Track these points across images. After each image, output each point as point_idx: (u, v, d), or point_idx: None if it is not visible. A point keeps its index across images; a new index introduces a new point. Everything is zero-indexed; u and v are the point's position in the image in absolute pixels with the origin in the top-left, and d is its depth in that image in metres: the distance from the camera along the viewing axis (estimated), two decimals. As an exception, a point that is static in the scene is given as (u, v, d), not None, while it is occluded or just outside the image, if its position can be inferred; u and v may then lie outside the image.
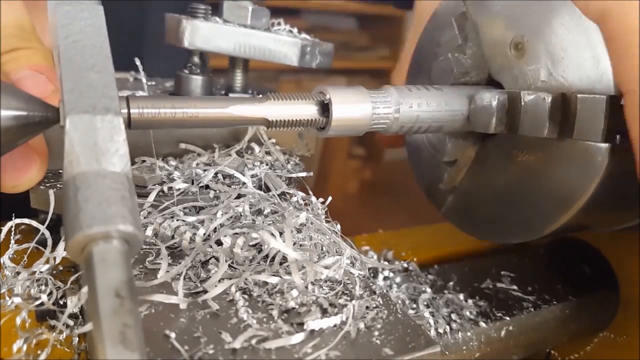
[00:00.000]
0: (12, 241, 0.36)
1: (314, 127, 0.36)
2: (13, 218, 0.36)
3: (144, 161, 0.44)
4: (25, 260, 0.36)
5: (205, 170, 0.43)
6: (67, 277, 0.36)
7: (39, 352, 0.33)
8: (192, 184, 0.43)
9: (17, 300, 0.33)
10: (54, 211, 0.37)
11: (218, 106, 0.33)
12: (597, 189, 0.36)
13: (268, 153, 0.49)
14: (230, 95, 0.53)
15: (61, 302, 0.35)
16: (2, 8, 0.35)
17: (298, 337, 0.29)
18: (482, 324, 0.45)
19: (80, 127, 0.25)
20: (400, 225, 0.61)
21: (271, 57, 0.49)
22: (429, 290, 0.49)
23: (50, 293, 0.34)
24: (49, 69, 0.36)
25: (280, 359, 0.28)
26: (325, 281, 0.35)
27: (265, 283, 0.33)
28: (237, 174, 0.44)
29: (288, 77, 2.94)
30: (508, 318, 0.47)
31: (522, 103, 0.38)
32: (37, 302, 0.34)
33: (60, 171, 0.42)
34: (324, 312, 0.32)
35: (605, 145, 0.35)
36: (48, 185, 0.39)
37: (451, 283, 0.51)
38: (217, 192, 0.42)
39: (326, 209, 0.42)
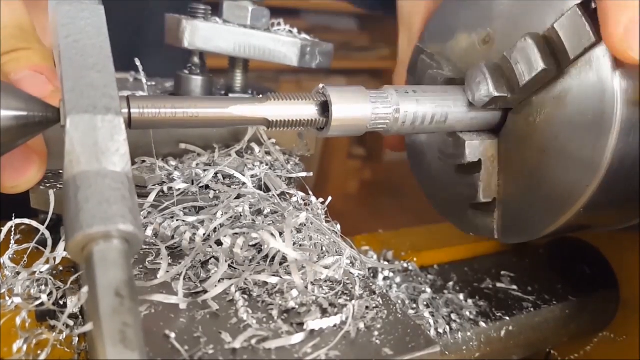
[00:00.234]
0: (12, 241, 0.36)
1: (314, 127, 0.36)
2: (13, 218, 0.36)
3: (144, 161, 0.44)
4: (25, 260, 0.36)
5: (205, 171, 0.43)
6: (67, 277, 0.36)
7: (39, 352, 0.33)
8: (192, 184, 0.43)
9: (17, 300, 0.33)
10: (54, 211, 0.37)
11: (218, 106, 0.33)
12: (597, 188, 0.36)
13: (268, 153, 0.49)
14: (230, 95, 0.53)
15: (61, 302, 0.35)
16: (2, 9, 0.35)
17: (298, 337, 0.29)
18: (482, 324, 0.45)
19: (81, 126, 0.25)
20: (400, 225, 0.61)
21: (271, 57, 0.49)
22: (429, 290, 0.49)
23: (50, 293, 0.34)
24: (49, 70, 0.36)
25: (280, 359, 0.28)
26: (325, 281, 0.35)
27: (265, 283, 0.33)
28: (237, 174, 0.44)
29: (288, 77, 2.94)
30: (508, 318, 0.47)
31: (511, 58, 0.38)
32: (37, 302, 0.34)
33: (60, 171, 0.42)
34: (324, 312, 0.32)
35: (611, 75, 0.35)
36: (48, 185, 0.39)
37: (451, 283, 0.51)
38: (217, 192, 0.42)
39: (326, 209, 0.42)
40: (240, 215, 0.39)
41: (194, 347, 0.28)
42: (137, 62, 0.46)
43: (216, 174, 0.44)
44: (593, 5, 0.35)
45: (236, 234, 0.37)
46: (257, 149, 0.49)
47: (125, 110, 0.30)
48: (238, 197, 0.41)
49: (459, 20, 0.46)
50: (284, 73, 2.92)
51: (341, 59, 3.00)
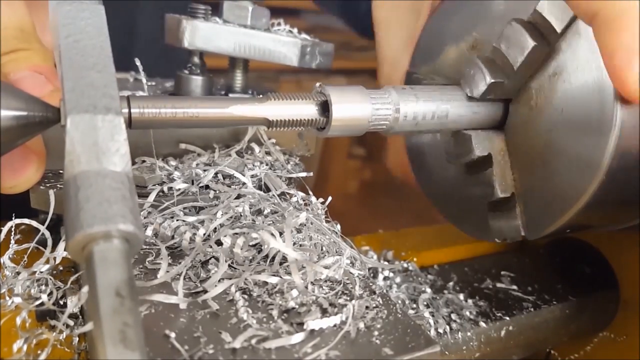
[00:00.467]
0: (12, 241, 0.36)
1: (314, 127, 0.36)
2: (13, 218, 0.36)
3: (144, 161, 0.44)
4: (25, 260, 0.36)
5: (205, 170, 0.43)
6: (67, 277, 0.36)
7: (39, 352, 0.32)
8: (192, 184, 0.43)
9: (17, 300, 0.33)
10: (54, 211, 0.37)
11: (219, 106, 0.33)
12: (597, 188, 0.36)
13: (268, 153, 0.49)
14: (230, 95, 0.53)
15: (61, 302, 0.35)
16: (3, 9, 0.35)
17: (298, 337, 0.29)
18: (482, 324, 0.45)
19: (81, 126, 0.25)
20: (400, 225, 0.61)
21: (271, 57, 0.49)
22: (429, 290, 0.49)
23: (51, 293, 0.34)
24: (49, 70, 0.36)
25: (280, 359, 0.28)
26: (325, 281, 0.35)
27: (265, 283, 0.33)
28: (237, 174, 0.44)
29: (288, 77, 2.94)
30: (508, 318, 0.47)
31: (500, 46, 0.38)
32: (37, 302, 0.34)
33: (60, 171, 0.42)
34: (324, 312, 0.32)
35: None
36: (48, 185, 0.39)
37: (451, 283, 0.51)
38: (217, 192, 0.42)
39: (326, 209, 0.42)
40: (240, 215, 0.39)
41: (194, 346, 0.28)
42: (137, 62, 0.47)
43: (216, 174, 0.44)
44: None
45: (236, 234, 0.37)
46: (257, 149, 0.49)
47: (126, 110, 0.30)
48: (238, 197, 0.41)
49: (444, 34, 0.46)
50: (284, 73, 2.92)
51: (341, 59, 3.00)
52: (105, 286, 0.21)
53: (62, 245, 0.36)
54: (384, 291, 0.35)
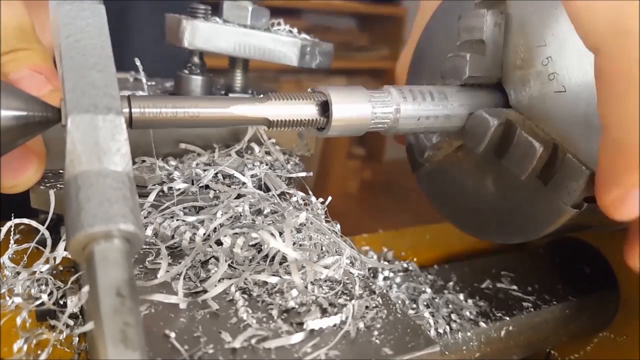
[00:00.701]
0: (12, 241, 0.36)
1: (315, 127, 0.36)
2: (12, 218, 0.36)
3: (144, 161, 0.44)
4: (25, 260, 0.36)
5: (205, 170, 0.43)
6: (67, 277, 0.36)
7: (39, 352, 0.33)
8: (192, 184, 0.43)
9: (18, 300, 0.33)
10: (54, 211, 0.37)
11: (219, 106, 0.33)
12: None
13: (268, 153, 0.49)
14: (230, 95, 0.53)
15: (61, 302, 0.35)
16: (2, 9, 0.35)
17: (298, 337, 0.29)
18: (482, 324, 0.45)
19: (82, 126, 0.25)
20: (400, 225, 0.61)
21: (271, 57, 0.49)
22: (429, 290, 0.49)
23: (51, 293, 0.35)
24: (48, 70, 0.36)
25: (280, 359, 0.28)
26: (325, 281, 0.35)
27: (265, 283, 0.33)
28: (237, 174, 0.44)
29: (288, 77, 2.94)
30: (508, 318, 0.47)
31: (515, 140, 0.38)
32: (38, 302, 0.34)
33: (60, 171, 0.42)
34: (324, 312, 0.32)
35: (573, 211, 0.37)
36: (48, 185, 0.39)
37: (451, 283, 0.51)
38: (217, 192, 0.42)
39: (326, 209, 0.42)
40: (240, 215, 0.39)
41: (193, 346, 0.28)
42: (137, 62, 0.47)
43: (216, 173, 0.44)
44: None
45: (236, 233, 0.37)
46: (257, 148, 0.49)
47: (126, 110, 0.30)
48: (238, 197, 0.41)
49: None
50: (284, 73, 2.93)
51: (341, 59, 3.00)
52: (106, 286, 0.21)
53: (62, 245, 0.36)
54: (384, 291, 0.35)
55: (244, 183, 0.44)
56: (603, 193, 0.32)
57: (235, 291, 0.33)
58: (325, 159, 2.86)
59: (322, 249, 0.37)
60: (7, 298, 0.34)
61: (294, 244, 0.36)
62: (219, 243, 0.36)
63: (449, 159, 0.46)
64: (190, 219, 0.39)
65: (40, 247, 0.36)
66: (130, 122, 0.30)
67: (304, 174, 0.47)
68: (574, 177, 0.36)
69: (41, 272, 0.35)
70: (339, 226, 0.40)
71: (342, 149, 3.03)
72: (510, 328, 0.47)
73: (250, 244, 0.37)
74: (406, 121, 0.38)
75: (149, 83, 0.58)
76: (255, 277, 0.33)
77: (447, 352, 0.43)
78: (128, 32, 0.79)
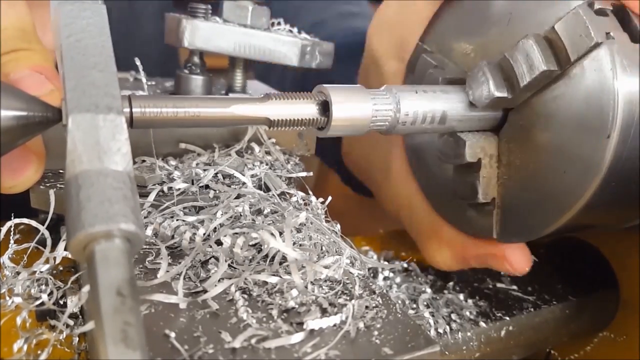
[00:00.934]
0: (12, 241, 0.36)
1: (315, 126, 0.36)
2: (12, 218, 0.36)
3: (144, 161, 0.44)
4: (25, 260, 0.36)
5: (205, 170, 0.43)
6: (67, 277, 0.36)
7: (39, 352, 0.33)
8: (192, 184, 0.43)
9: (18, 300, 0.33)
10: (54, 211, 0.37)
11: (220, 106, 0.33)
12: (597, 188, 0.36)
13: (268, 153, 0.49)
14: (231, 95, 0.53)
15: (61, 302, 0.35)
16: (3, 9, 0.35)
17: (298, 337, 0.29)
18: (482, 324, 0.45)
19: (83, 125, 0.25)
20: (400, 225, 0.61)
21: (271, 57, 0.49)
22: (429, 290, 0.49)
23: (51, 293, 0.35)
24: (48, 70, 0.36)
25: (280, 359, 0.28)
26: (325, 281, 0.35)
27: (265, 283, 0.33)
28: (237, 174, 0.44)
29: (288, 77, 2.94)
30: (508, 318, 0.47)
31: (512, 58, 0.38)
32: (38, 302, 0.34)
33: (60, 171, 0.42)
34: (324, 312, 0.32)
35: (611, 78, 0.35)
36: (48, 185, 0.39)
37: (451, 283, 0.51)
38: (217, 192, 0.42)
39: (326, 208, 0.42)
40: (240, 215, 0.39)
41: (193, 346, 0.28)
42: (137, 62, 0.47)
43: (216, 173, 0.44)
44: (596, 6, 0.35)
45: (236, 233, 0.37)
46: (257, 148, 0.49)
47: (127, 110, 0.30)
48: (238, 196, 0.41)
49: (465, 22, 0.45)
50: (284, 73, 2.92)
51: (341, 59, 2.99)
52: (107, 285, 0.21)
53: (62, 245, 0.36)
54: (384, 291, 0.35)
55: (244, 183, 0.44)
56: None
57: (235, 291, 0.33)
58: (325, 159, 2.85)
59: (322, 249, 0.37)
60: (7, 298, 0.34)
61: (294, 244, 0.36)
62: (219, 243, 0.36)
63: (506, 180, 0.45)
64: (190, 219, 0.39)
65: (40, 247, 0.36)
66: (131, 122, 0.30)
67: (304, 174, 0.47)
68: (574, 23, 0.36)
69: (41, 272, 0.35)
70: (339, 226, 0.40)
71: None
72: (510, 328, 0.47)
73: (250, 244, 0.37)
74: (406, 120, 0.38)
75: (149, 83, 0.58)
76: (255, 277, 0.33)
77: (447, 352, 0.43)
78: (132, 31, 0.79)
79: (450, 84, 0.43)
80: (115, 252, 0.22)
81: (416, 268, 0.53)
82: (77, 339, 0.35)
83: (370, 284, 0.35)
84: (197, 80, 0.50)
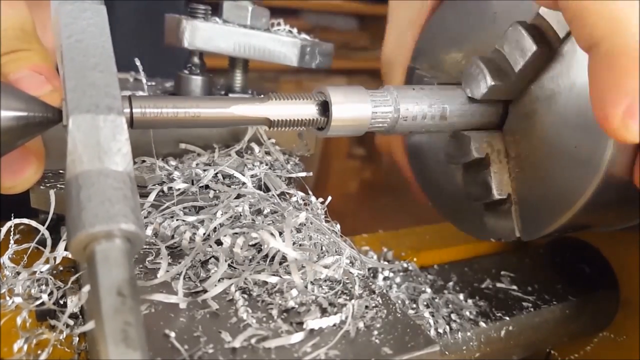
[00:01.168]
0: (12, 241, 0.36)
1: (315, 126, 0.36)
2: (12, 218, 0.36)
3: (144, 161, 0.44)
4: (25, 260, 0.36)
5: (205, 170, 0.43)
6: (67, 277, 0.36)
7: (39, 352, 0.33)
8: (192, 184, 0.43)
9: (18, 300, 0.33)
10: (54, 211, 0.37)
11: (220, 106, 0.33)
12: (597, 188, 0.36)
13: (268, 153, 0.49)
14: (231, 95, 0.53)
15: (61, 302, 0.35)
16: (3, 9, 0.35)
17: (297, 337, 0.29)
18: (482, 324, 0.45)
19: (83, 126, 0.25)
20: (400, 225, 0.61)
21: (271, 57, 0.49)
22: (429, 290, 0.49)
23: (51, 293, 0.35)
24: (48, 70, 0.36)
25: (280, 359, 0.28)
26: (325, 281, 0.35)
27: (265, 283, 0.33)
28: (237, 174, 0.44)
29: (288, 77, 2.94)
30: (508, 318, 0.47)
31: (503, 48, 0.38)
32: (38, 302, 0.34)
33: (60, 171, 0.42)
34: (324, 312, 0.32)
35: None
36: (48, 185, 0.39)
37: (451, 283, 0.51)
38: (217, 192, 0.42)
39: (326, 209, 0.42)
40: (240, 215, 0.39)
41: (193, 346, 0.28)
42: (137, 62, 0.47)
43: (216, 173, 0.44)
44: None
45: (236, 233, 0.37)
46: (256, 148, 0.49)
47: (127, 110, 0.30)
48: (238, 196, 0.41)
49: (445, 32, 0.46)
50: (284, 73, 2.92)
51: (341, 59, 3.00)
52: (107, 285, 0.21)
53: (62, 245, 0.36)
54: (384, 291, 0.35)
55: (244, 183, 0.44)
56: (610, 114, 0.29)
57: (235, 291, 0.33)
58: (325, 159, 2.86)
59: (322, 249, 0.37)
60: (7, 298, 0.34)
61: (294, 243, 0.36)
62: (219, 243, 0.36)
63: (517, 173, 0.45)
64: (190, 218, 0.39)
65: (40, 247, 0.36)
66: (131, 122, 0.30)
67: (304, 174, 0.47)
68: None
69: (41, 272, 0.35)
70: (339, 226, 0.40)
71: (342, 149, 3.03)
72: (510, 328, 0.47)
73: (250, 243, 0.37)
74: (406, 121, 0.38)
75: (149, 83, 0.58)
76: (255, 277, 0.33)
77: (447, 352, 0.43)
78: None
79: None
80: (116, 252, 0.22)
81: (416, 268, 0.53)
82: (77, 339, 0.35)
83: (370, 284, 0.35)
84: (197, 81, 0.50)
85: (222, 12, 0.49)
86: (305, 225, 0.38)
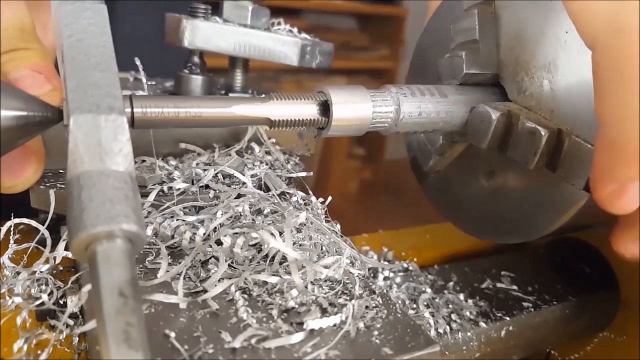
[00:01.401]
0: (12, 241, 0.36)
1: (316, 126, 0.36)
2: (12, 218, 0.36)
3: (143, 161, 0.44)
4: (25, 260, 0.36)
5: (205, 170, 0.43)
6: (67, 276, 0.36)
7: (39, 352, 0.33)
8: (192, 183, 0.43)
9: (18, 300, 0.33)
10: (54, 211, 0.37)
11: (221, 106, 0.33)
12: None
13: (268, 153, 0.49)
14: (231, 95, 0.53)
15: (61, 302, 0.35)
16: (3, 9, 0.35)
17: (298, 337, 0.29)
18: (482, 324, 0.45)
19: (84, 126, 0.25)
20: (400, 225, 0.61)
21: (271, 57, 0.49)
22: (429, 290, 0.49)
23: (51, 293, 0.35)
24: (48, 69, 0.36)
25: (280, 359, 0.28)
26: (325, 281, 0.35)
27: (265, 283, 0.33)
28: (237, 174, 0.44)
29: (288, 77, 2.94)
30: (508, 318, 0.47)
31: (519, 129, 0.37)
32: (38, 302, 0.34)
33: (60, 171, 0.42)
34: (324, 312, 0.32)
35: (586, 194, 0.36)
36: (48, 185, 0.39)
37: (451, 283, 0.51)
38: (217, 191, 0.42)
39: (326, 208, 0.42)
40: (240, 215, 0.39)
41: (193, 346, 0.28)
42: (137, 62, 0.46)
43: (216, 173, 0.44)
44: None
45: (236, 233, 0.37)
46: (257, 148, 0.49)
47: (128, 110, 0.30)
48: (238, 196, 0.41)
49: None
50: (284, 73, 2.92)
51: (341, 59, 3.00)
52: (109, 286, 0.21)
53: (62, 244, 0.36)
54: (384, 291, 0.35)
55: (244, 183, 0.44)
56: (599, 187, 0.33)
57: (235, 291, 0.33)
58: (325, 159, 2.86)
59: (322, 249, 0.37)
60: (7, 298, 0.34)
61: (294, 243, 0.36)
62: (219, 243, 0.36)
63: (454, 167, 0.47)
64: (190, 218, 0.39)
65: (40, 247, 0.36)
66: (132, 122, 0.30)
67: (304, 174, 0.47)
68: (582, 159, 0.36)
69: (41, 272, 0.35)
70: (339, 226, 0.40)
71: (342, 149, 3.03)
72: (510, 328, 0.47)
73: (250, 243, 0.37)
74: (406, 120, 0.38)
75: (149, 83, 0.58)
76: (255, 277, 0.33)
77: (447, 352, 0.43)
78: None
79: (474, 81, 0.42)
80: (117, 252, 0.22)
81: (416, 268, 0.53)
82: (77, 339, 0.35)
83: (370, 284, 0.35)
84: (197, 80, 0.50)
85: (222, 12, 0.49)
86: (305, 225, 0.38)
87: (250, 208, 0.40)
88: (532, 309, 0.49)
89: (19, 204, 0.39)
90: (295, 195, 0.43)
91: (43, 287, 0.35)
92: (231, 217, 0.39)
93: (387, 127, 0.38)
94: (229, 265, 0.35)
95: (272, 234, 0.34)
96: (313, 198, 0.43)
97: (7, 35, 0.35)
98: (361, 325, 0.31)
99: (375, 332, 0.31)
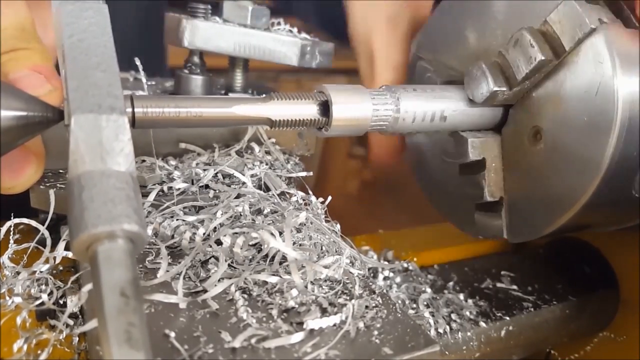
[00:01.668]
0: (12, 241, 0.36)
1: (316, 126, 0.36)
2: (12, 218, 0.36)
3: (143, 161, 0.44)
4: (25, 260, 0.36)
5: (205, 170, 0.43)
6: (67, 277, 0.36)
7: (39, 351, 0.33)
8: (192, 183, 0.43)
9: (18, 300, 0.33)
10: (54, 211, 0.37)
11: (222, 106, 0.33)
12: (597, 188, 0.36)
13: (268, 153, 0.49)
14: (231, 95, 0.53)
15: (61, 302, 0.35)
16: (3, 9, 0.35)
17: (297, 337, 0.29)
18: (482, 324, 0.45)
19: (86, 126, 0.25)
20: (400, 225, 0.61)
21: (271, 57, 0.49)
22: (429, 290, 0.49)
23: (51, 293, 0.35)
24: (48, 69, 0.35)
25: (280, 359, 0.28)
26: (325, 281, 0.35)
27: (265, 282, 0.33)
28: (237, 174, 0.44)
29: (288, 77, 2.93)
30: (508, 318, 0.47)
31: (507, 53, 0.38)
32: (37, 302, 0.34)
33: (60, 171, 0.42)
34: (324, 312, 0.32)
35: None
36: (48, 185, 0.39)
37: (451, 283, 0.51)
38: (217, 191, 0.42)
39: (326, 208, 0.42)
40: (240, 215, 0.39)
41: (193, 346, 0.28)
42: (137, 62, 0.46)
43: (216, 173, 0.44)
44: None
45: (236, 233, 0.37)
46: (257, 148, 0.49)
47: (129, 110, 0.30)
48: (238, 196, 0.41)
49: (458, 26, 0.46)
50: (284, 73, 2.92)
51: (341, 58, 2.99)
52: (110, 286, 0.21)
53: (62, 244, 0.36)
54: (384, 291, 0.35)
55: (244, 183, 0.44)
56: None
57: (235, 291, 0.33)
58: (325, 159, 2.85)
59: (322, 249, 0.37)
60: (7, 298, 0.34)
61: (294, 243, 0.36)
62: (218, 243, 0.36)
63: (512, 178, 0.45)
64: (190, 218, 0.39)
65: (40, 247, 0.36)
66: (133, 122, 0.30)
67: (304, 174, 0.47)
68: (569, 13, 0.37)
69: (41, 272, 0.35)
70: (339, 226, 0.40)
71: (342, 149, 3.02)
72: (510, 328, 0.47)
73: (250, 243, 0.37)
74: (406, 121, 0.38)
75: (149, 82, 0.58)
76: (255, 277, 0.33)
77: (447, 352, 0.43)
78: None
79: (449, 84, 0.43)
80: (119, 252, 0.22)
81: (416, 268, 0.53)
82: (77, 338, 0.35)
83: (370, 284, 0.35)
84: (197, 80, 0.50)
85: (222, 12, 0.49)
86: (305, 225, 0.38)
87: (250, 208, 0.40)
88: (532, 309, 0.49)
89: (19, 204, 0.39)
90: (295, 195, 0.43)
91: (43, 287, 0.35)
92: (231, 217, 0.39)
93: (387, 127, 0.38)
94: (229, 265, 0.35)
95: (272, 233, 0.34)
96: (313, 198, 0.43)
97: (8, 35, 0.35)
98: (361, 325, 0.31)
99: (375, 332, 0.31)
